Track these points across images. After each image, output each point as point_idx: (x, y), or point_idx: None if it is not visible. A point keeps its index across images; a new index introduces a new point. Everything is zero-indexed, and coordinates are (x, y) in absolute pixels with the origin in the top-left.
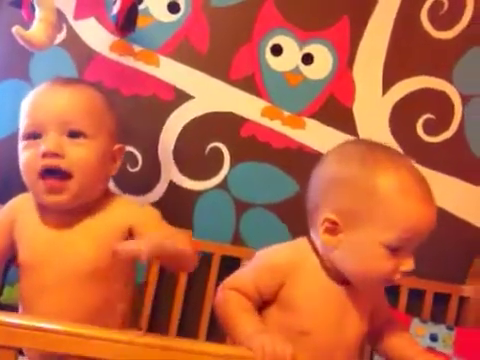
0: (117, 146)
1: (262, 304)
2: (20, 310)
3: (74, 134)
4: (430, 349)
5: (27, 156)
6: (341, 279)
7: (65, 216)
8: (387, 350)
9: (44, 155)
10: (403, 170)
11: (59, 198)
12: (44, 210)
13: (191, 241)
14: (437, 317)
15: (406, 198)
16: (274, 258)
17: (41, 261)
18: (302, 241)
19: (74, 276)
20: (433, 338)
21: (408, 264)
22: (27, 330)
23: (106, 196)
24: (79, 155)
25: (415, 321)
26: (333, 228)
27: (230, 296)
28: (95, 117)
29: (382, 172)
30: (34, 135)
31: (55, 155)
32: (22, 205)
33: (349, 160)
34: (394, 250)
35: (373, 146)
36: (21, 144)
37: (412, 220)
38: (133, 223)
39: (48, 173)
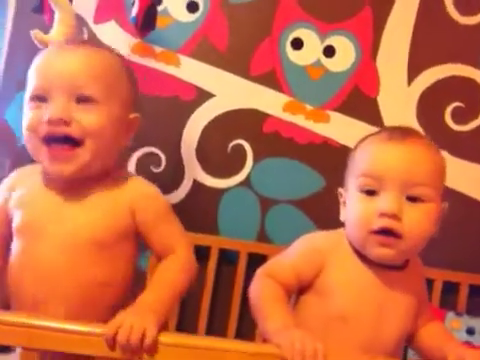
0: (132, 115)
1: (298, 291)
2: (10, 278)
3: (83, 99)
4: (467, 343)
5: (30, 119)
6: (379, 266)
7: (69, 183)
8: (421, 344)
9: (49, 122)
10: (379, 132)
11: (64, 167)
12: (48, 176)
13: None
14: (473, 310)
15: (370, 144)
16: (313, 242)
17: (38, 227)
18: (340, 230)
19: (71, 247)
20: (470, 331)
21: (383, 205)
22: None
23: (116, 169)
24: (90, 121)
25: (450, 315)
26: (343, 200)
27: (265, 283)
28: (107, 81)
29: (361, 140)
30: (40, 98)
31: (61, 122)
32: (19, 177)
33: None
34: (370, 193)
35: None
36: (26, 106)
37: (375, 158)
38: (135, 207)
39: (53, 141)
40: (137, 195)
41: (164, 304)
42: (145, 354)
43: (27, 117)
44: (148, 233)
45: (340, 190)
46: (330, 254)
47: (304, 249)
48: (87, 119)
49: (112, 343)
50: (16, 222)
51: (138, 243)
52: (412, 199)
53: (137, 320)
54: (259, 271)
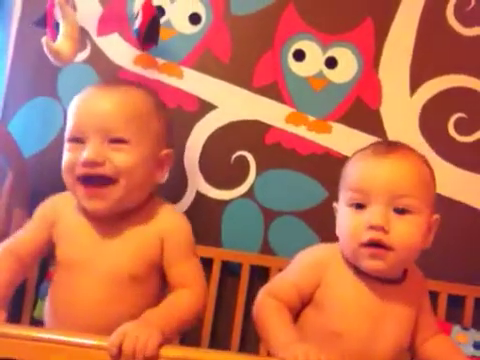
0: (165, 151)
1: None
2: (47, 308)
3: (116, 140)
4: (474, 358)
5: (68, 159)
6: (375, 279)
7: (106, 220)
8: (427, 358)
9: (85, 164)
10: (367, 146)
11: (99, 205)
12: (86, 211)
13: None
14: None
15: (357, 160)
16: (312, 257)
17: (80, 261)
18: (337, 243)
19: (110, 280)
20: (477, 346)
21: (370, 217)
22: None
23: (149, 202)
24: (122, 161)
25: (456, 328)
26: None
27: (267, 303)
28: (138, 122)
29: (351, 156)
30: (77, 139)
31: (95, 164)
32: (64, 204)
33: None
34: (358, 207)
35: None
36: (65, 145)
37: (360, 173)
38: (164, 237)
39: (88, 180)
40: (167, 226)
41: (168, 324)
42: None
43: (65, 158)
44: (169, 266)
45: (335, 204)
46: (327, 268)
47: (303, 265)
48: (119, 159)
49: (117, 353)
50: (59, 255)
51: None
52: (399, 211)
53: (142, 331)
54: (262, 290)
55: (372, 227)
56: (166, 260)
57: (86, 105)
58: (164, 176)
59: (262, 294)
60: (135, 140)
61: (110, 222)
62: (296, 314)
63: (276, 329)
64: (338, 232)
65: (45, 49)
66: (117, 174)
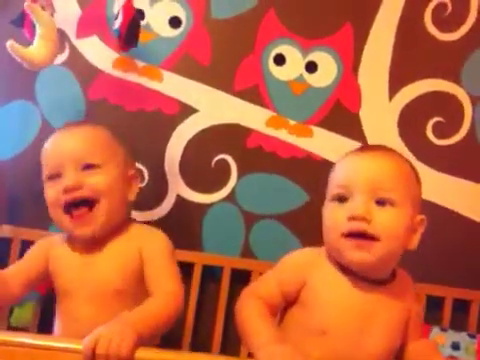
0: (132, 171)
1: (285, 305)
2: (58, 331)
3: (89, 166)
4: (452, 358)
5: (50, 194)
6: (363, 280)
7: (91, 244)
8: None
9: (65, 191)
10: (354, 150)
11: (87, 230)
12: (72, 241)
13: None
14: (457, 325)
15: (340, 160)
16: (295, 257)
17: (74, 287)
18: (323, 248)
19: (101, 298)
20: (455, 347)
21: (352, 208)
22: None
23: (126, 223)
24: (98, 182)
25: (435, 329)
26: None
27: (249, 303)
28: (104, 149)
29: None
30: (54, 176)
31: (75, 188)
32: (51, 245)
33: None
34: (340, 200)
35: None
36: (45, 186)
37: (343, 169)
38: (142, 247)
39: (72, 206)
40: (144, 237)
41: (145, 323)
42: None
43: (48, 195)
44: (147, 274)
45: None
46: (312, 268)
47: (287, 266)
48: (95, 180)
49: (91, 356)
50: (56, 287)
51: None
52: (381, 203)
53: (116, 333)
54: (244, 291)
55: (353, 218)
56: (145, 269)
57: (57, 143)
58: (134, 194)
59: (244, 294)
60: (105, 163)
61: (93, 246)
62: (281, 314)
63: (256, 329)
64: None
65: (14, 55)
66: (96, 194)
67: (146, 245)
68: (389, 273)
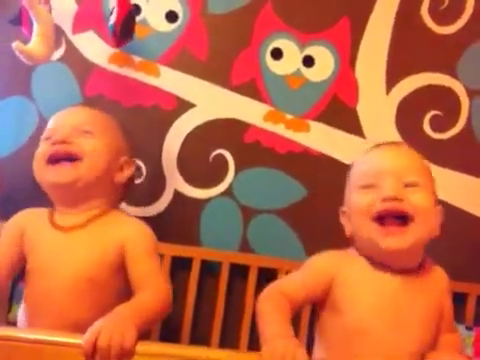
0: (124, 158)
1: (317, 312)
2: (23, 315)
3: (83, 132)
4: None
5: (39, 150)
6: (394, 272)
7: (71, 224)
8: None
9: (53, 143)
10: (373, 147)
11: (63, 178)
12: (51, 216)
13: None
14: (455, 317)
15: (364, 155)
16: (319, 261)
17: (46, 267)
18: (350, 250)
19: (70, 286)
20: None
21: (385, 190)
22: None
23: (111, 211)
24: (87, 143)
25: None
26: (347, 217)
27: (271, 295)
28: (101, 121)
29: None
30: (49, 137)
31: (64, 142)
32: (29, 217)
33: None
34: (369, 187)
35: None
36: (41, 144)
37: (370, 160)
38: (126, 242)
39: (56, 160)
40: (129, 231)
41: (140, 317)
42: None
43: (38, 151)
44: (131, 268)
45: (342, 208)
46: (340, 270)
47: (314, 268)
48: (85, 142)
49: (91, 350)
50: (28, 264)
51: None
52: (410, 185)
53: (116, 327)
54: (270, 285)
55: (386, 199)
56: (128, 263)
57: (62, 114)
58: (122, 179)
59: (268, 288)
60: (98, 133)
61: (73, 230)
62: (315, 321)
63: (268, 323)
64: (351, 233)
65: (18, 53)
66: (82, 153)
67: (131, 239)
68: (418, 261)
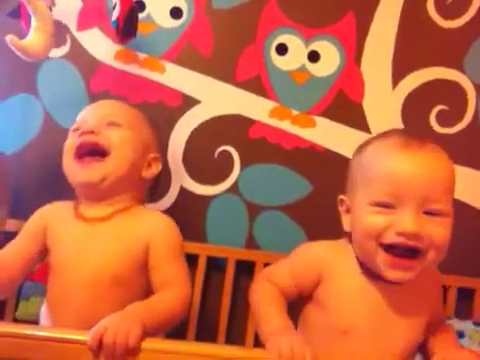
0: (153, 154)
1: (301, 301)
2: (45, 311)
3: (111, 123)
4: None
5: (68, 141)
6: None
7: (96, 216)
8: (426, 350)
9: (81, 133)
10: (389, 136)
11: (91, 175)
12: (76, 208)
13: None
14: (462, 313)
15: (383, 152)
16: (314, 252)
17: (70, 261)
18: (342, 241)
19: (93, 283)
20: (460, 335)
21: (403, 223)
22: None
23: (137, 206)
24: (114, 134)
25: None
26: (346, 208)
27: (262, 288)
28: (130, 114)
29: (368, 143)
30: (78, 128)
31: (91, 132)
32: (52, 210)
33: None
34: (385, 206)
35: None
36: (69, 135)
37: (391, 171)
38: (151, 240)
39: (84, 154)
40: (154, 229)
41: (152, 316)
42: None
43: (66, 143)
44: (154, 267)
45: (342, 197)
46: (330, 266)
47: (304, 258)
48: (113, 133)
49: (97, 346)
50: (51, 260)
51: None
52: (431, 213)
53: (122, 324)
54: (259, 275)
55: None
56: (151, 262)
57: (92, 106)
58: (150, 175)
59: (259, 278)
60: (127, 126)
61: (98, 221)
62: (299, 311)
63: (266, 316)
64: (349, 228)
65: (12, 47)
66: (109, 146)
67: (157, 236)
68: None
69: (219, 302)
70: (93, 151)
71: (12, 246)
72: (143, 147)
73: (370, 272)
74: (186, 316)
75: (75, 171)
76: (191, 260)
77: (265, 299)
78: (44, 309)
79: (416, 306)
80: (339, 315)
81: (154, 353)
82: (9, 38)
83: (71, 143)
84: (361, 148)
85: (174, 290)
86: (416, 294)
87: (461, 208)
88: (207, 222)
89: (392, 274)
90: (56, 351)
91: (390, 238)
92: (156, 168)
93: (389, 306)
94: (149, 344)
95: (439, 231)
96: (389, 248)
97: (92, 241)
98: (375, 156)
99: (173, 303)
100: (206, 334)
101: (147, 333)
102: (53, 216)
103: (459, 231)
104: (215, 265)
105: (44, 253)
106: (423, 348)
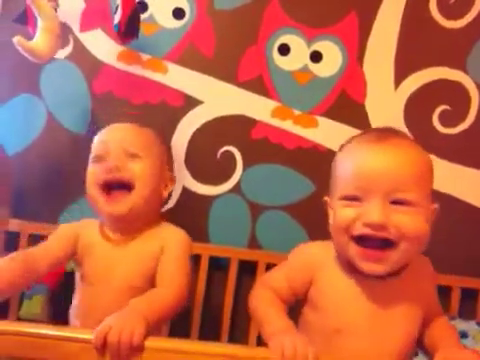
0: (169, 173)
1: (297, 304)
2: (74, 314)
3: (131, 155)
4: None
5: (93, 171)
6: (372, 277)
7: (121, 238)
8: (425, 341)
9: (108, 170)
10: (362, 134)
11: (120, 208)
12: (102, 228)
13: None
14: (465, 314)
15: (350, 148)
16: (305, 255)
17: (97, 276)
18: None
19: (117, 292)
20: (463, 335)
21: (369, 214)
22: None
23: (157, 224)
24: (137, 167)
25: None
26: (329, 208)
27: (261, 293)
28: (146, 144)
29: (344, 144)
30: (100, 158)
31: (117, 169)
32: (83, 226)
33: None
34: (353, 199)
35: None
36: (89, 165)
37: (356, 165)
38: (162, 248)
39: (111, 188)
40: (167, 236)
41: (152, 311)
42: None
43: (89, 171)
44: (159, 267)
45: (326, 198)
46: (321, 266)
47: (296, 262)
48: (134, 166)
49: (102, 345)
50: (82, 271)
51: None
52: (398, 203)
53: (126, 322)
54: (257, 282)
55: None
56: (159, 263)
57: (109, 132)
58: (167, 193)
59: (257, 285)
60: (145, 155)
61: (123, 243)
62: (297, 314)
63: (266, 317)
64: (330, 228)
65: (20, 49)
66: (133, 179)
67: (166, 245)
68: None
69: (222, 301)
70: (119, 185)
71: (45, 245)
72: (160, 170)
73: (359, 270)
74: (189, 315)
75: (103, 204)
76: (194, 260)
77: (263, 303)
78: (72, 313)
79: (409, 300)
80: (331, 314)
81: (158, 352)
82: (16, 39)
83: (96, 176)
84: (339, 149)
85: (170, 285)
86: (408, 288)
87: (465, 209)
88: (209, 222)
89: (366, 266)
90: (61, 350)
91: (358, 230)
92: (172, 185)
93: (382, 302)
94: (153, 343)
95: (408, 220)
96: (360, 240)
97: (117, 259)
98: (345, 154)
99: (170, 296)
100: (209, 333)
101: (149, 328)
102: (84, 230)
103: (463, 232)
104: (218, 265)
105: (70, 258)
106: (425, 346)
